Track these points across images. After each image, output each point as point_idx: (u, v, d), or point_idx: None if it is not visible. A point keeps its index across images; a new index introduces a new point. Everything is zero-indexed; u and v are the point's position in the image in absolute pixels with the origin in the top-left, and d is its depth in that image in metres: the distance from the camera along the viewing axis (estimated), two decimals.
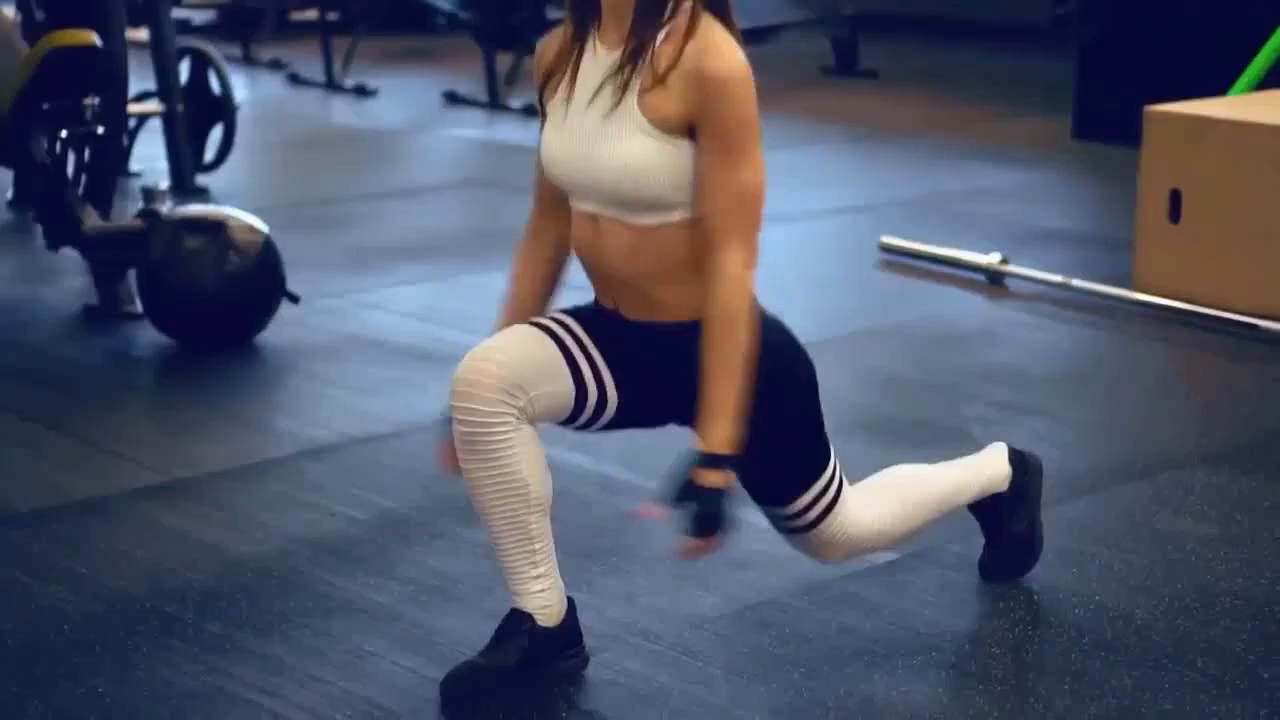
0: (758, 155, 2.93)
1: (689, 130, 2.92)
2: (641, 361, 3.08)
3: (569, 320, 3.11)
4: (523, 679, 3.09)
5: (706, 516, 2.94)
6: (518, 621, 3.10)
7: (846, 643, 3.34)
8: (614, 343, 3.09)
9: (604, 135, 2.94)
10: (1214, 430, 4.56)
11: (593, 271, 3.11)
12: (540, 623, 3.10)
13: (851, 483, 3.32)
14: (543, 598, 3.10)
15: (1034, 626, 3.41)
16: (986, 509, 3.56)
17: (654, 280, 3.01)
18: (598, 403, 3.08)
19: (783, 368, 3.10)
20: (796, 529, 3.26)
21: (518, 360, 2.98)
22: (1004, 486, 3.54)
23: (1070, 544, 3.79)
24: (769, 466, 3.15)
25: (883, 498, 3.36)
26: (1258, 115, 5.56)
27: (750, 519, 3.89)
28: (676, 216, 2.96)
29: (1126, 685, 3.17)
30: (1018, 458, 3.58)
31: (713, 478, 2.92)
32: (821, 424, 3.20)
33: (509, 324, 3.14)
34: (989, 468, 3.54)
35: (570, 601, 3.17)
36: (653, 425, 3.23)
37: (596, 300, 3.16)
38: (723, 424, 2.92)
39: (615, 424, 3.16)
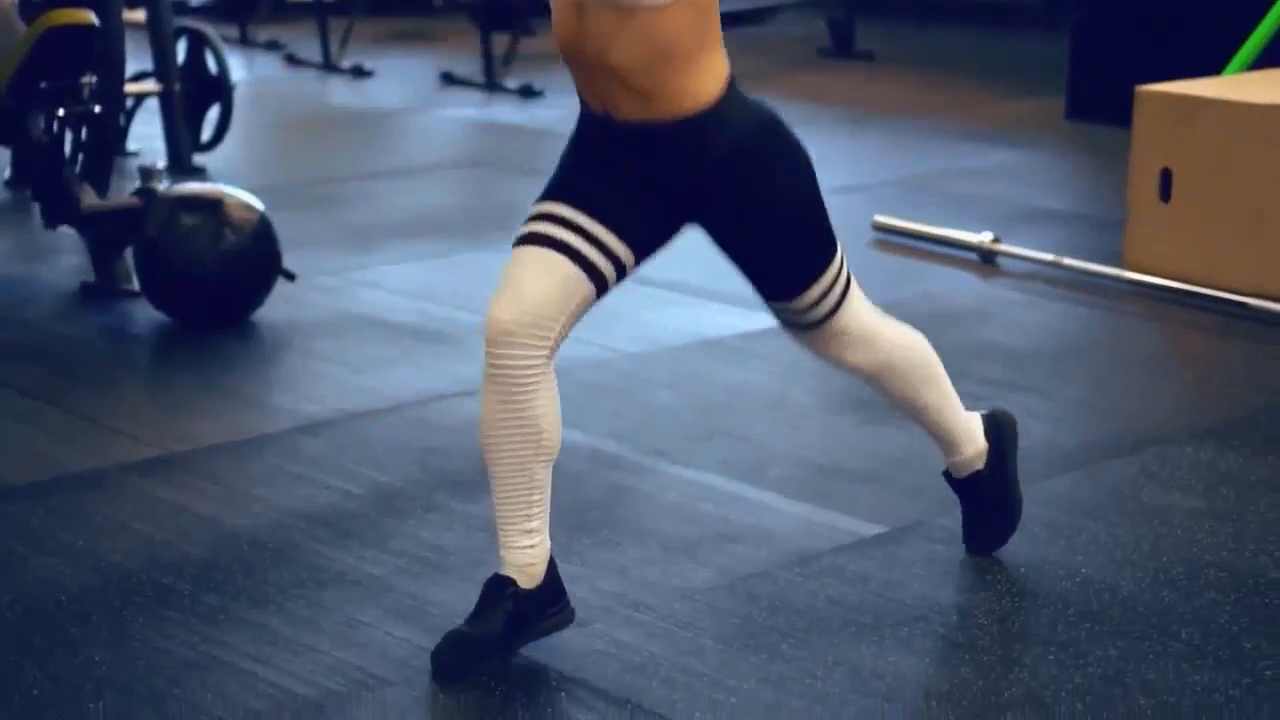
0: None
1: None
2: (643, 174, 3.08)
3: (564, 210, 3.08)
4: (509, 644, 3.12)
5: None
6: (500, 587, 3.15)
7: (835, 614, 3.38)
8: (612, 179, 3.09)
9: None
10: (1202, 407, 4.59)
11: (577, 67, 3.05)
12: (523, 585, 3.14)
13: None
14: (529, 554, 3.15)
15: (1021, 598, 3.45)
16: (963, 482, 3.59)
17: (641, 71, 2.97)
18: (617, 274, 3.13)
19: (775, 152, 3.10)
20: (810, 324, 3.30)
21: (538, 297, 3.04)
22: (980, 463, 3.57)
23: (1058, 517, 3.83)
24: (774, 260, 3.19)
25: (899, 327, 3.47)
26: (1248, 95, 5.59)
27: (740, 492, 3.94)
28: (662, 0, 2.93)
29: (1111, 655, 3.21)
30: (994, 429, 3.60)
31: None
32: (824, 212, 3.22)
33: None
34: (967, 428, 3.56)
35: (551, 559, 3.20)
36: (670, 237, 3.21)
37: (585, 113, 3.12)
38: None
39: (641, 263, 3.19)
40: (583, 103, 3.13)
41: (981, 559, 3.61)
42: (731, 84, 3.06)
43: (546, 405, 3.09)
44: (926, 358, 3.47)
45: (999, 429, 3.60)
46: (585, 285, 3.09)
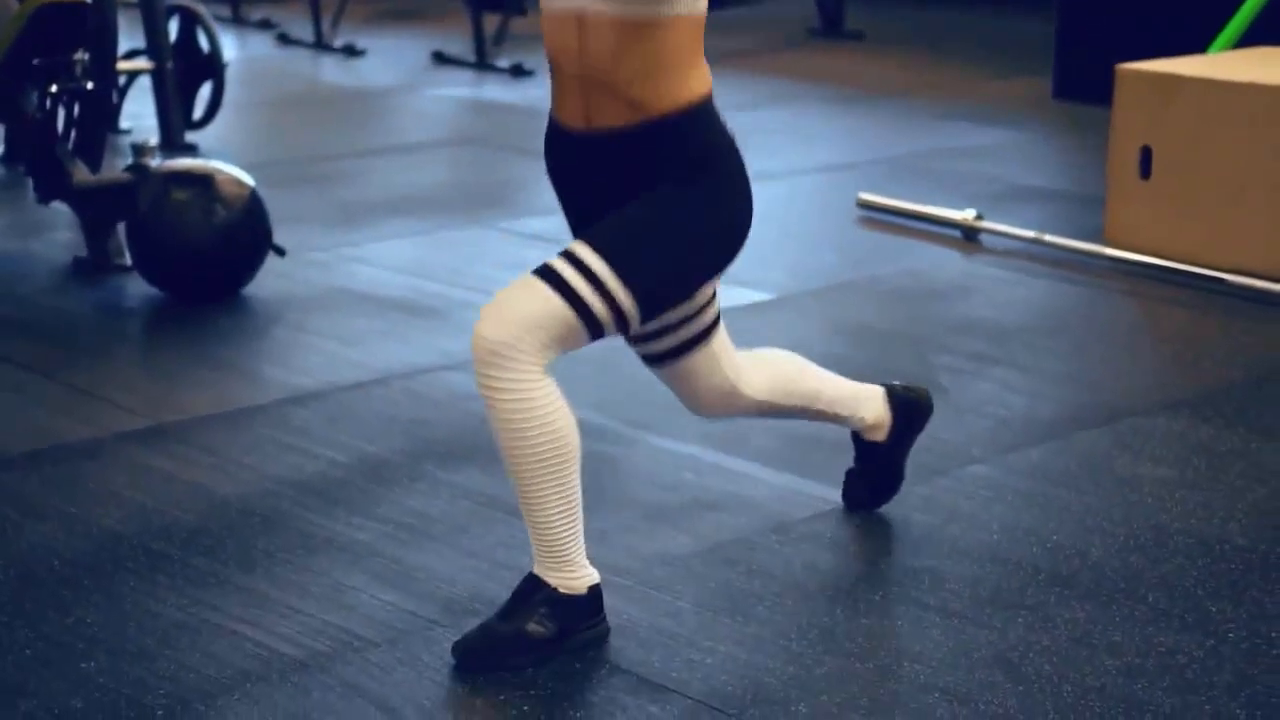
0: None
1: None
2: (603, 183, 3.10)
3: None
4: (547, 648, 3.12)
5: None
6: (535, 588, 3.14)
7: (810, 578, 3.46)
8: (582, 195, 3.15)
9: None
10: (1178, 380, 4.67)
11: (570, 82, 3.07)
12: (563, 591, 3.13)
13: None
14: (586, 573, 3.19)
15: (993, 563, 3.53)
16: (863, 444, 3.70)
17: (643, 81, 3.01)
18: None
19: (724, 172, 3.10)
20: (660, 355, 3.32)
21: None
22: (881, 435, 3.67)
23: (1032, 486, 3.91)
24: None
25: (769, 366, 3.47)
26: (1226, 73, 5.66)
27: (721, 462, 4.02)
28: (670, 12, 2.97)
29: (1078, 618, 3.29)
30: (904, 404, 3.69)
31: None
32: (713, 264, 3.14)
33: None
34: (867, 410, 3.64)
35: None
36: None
37: (554, 132, 3.14)
38: None
39: None
40: (554, 121, 3.15)
41: (955, 529, 3.68)
42: (710, 96, 3.10)
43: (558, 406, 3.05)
44: (792, 392, 3.51)
45: (910, 407, 3.70)
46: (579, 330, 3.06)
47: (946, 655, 3.15)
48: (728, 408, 3.45)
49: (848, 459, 3.91)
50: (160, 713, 2.93)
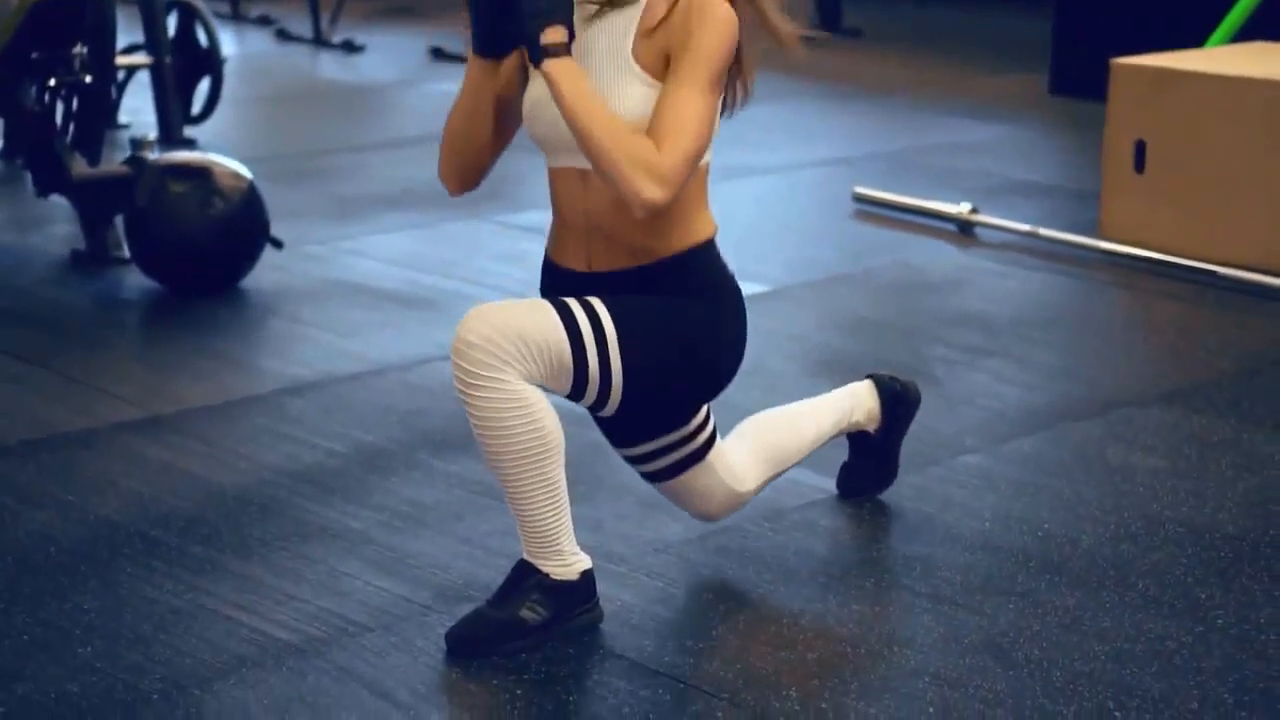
0: (714, 95, 3.04)
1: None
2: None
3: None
4: (537, 632, 3.13)
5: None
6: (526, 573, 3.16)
7: (802, 565, 3.48)
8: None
9: (599, 89, 3.01)
10: (1170, 371, 4.70)
11: (571, 226, 3.14)
12: (555, 577, 3.15)
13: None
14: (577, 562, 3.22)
15: (984, 551, 3.55)
16: (854, 435, 3.74)
17: (643, 229, 3.07)
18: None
19: (718, 305, 3.16)
20: (654, 474, 3.38)
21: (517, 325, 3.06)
22: (872, 427, 3.70)
23: (1024, 476, 3.93)
24: (645, 393, 3.14)
25: (752, 447, 3.49)
26: (1219, 67, 5.69)
27: None
28: None
29: (1069, 604, 3.31)
30: (892, 396, 3.71)
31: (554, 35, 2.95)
32: (702, 395, 3.24)
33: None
34: (858, 412, 3.68)
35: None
36: None
37: (551, 263, 3.20)
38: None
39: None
40: (550, 261, 3.20)
41: (947, 517, 3.70)
42: (713, 239, 3.16)
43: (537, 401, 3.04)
44: (786, 450, 3.54)
45: (898, 399, 3.71)
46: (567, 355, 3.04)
47: (937, 640, 3.18)
48: (733, 507, 3.49)
49: (841, 449, 3.93)
50: (155, 697, 2.96)
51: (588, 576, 3.17)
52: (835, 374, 4.57)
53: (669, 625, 3.22)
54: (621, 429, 3.33)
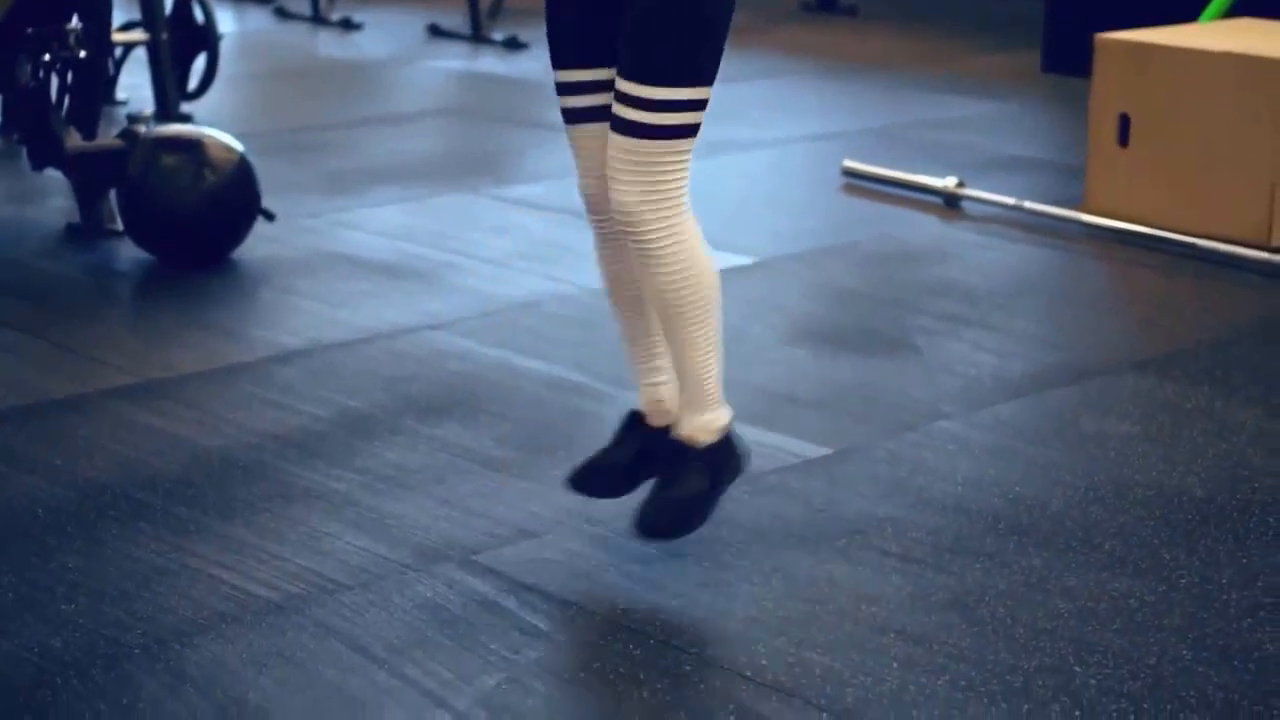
0: None
1: None
2: None
3: (572, 76, 3.29)
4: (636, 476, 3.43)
5: None
6: (633, 421, 3.47)
7: (776, 527, 3.54)
8: (578, 25, 3.27)
9: None
10: (1146, 341, 4.76)
11: None
12: (652, 422, 3.44)
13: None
14: (657, 391, 3.44)
15: (955, 513, 3.61)
16: (676, 446, 3.37)
17: None
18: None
19: None
20: (633, 126, 3.14)
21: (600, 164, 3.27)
22: (707, 440, 3.34)
23: (998, 441, 3.99)
24: (652, 32, 3.11)
25: (704, 249, 3.27)
26: (1202, 43, 5.74)
27: None
28: None
29: (1035, 564, 3.38)
30: (728, 445, 3.40)
31: None
32: (718, 42, 3.16)
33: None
34: (716, 400, 3.35)
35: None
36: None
37: None
38: None
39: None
40: None
41: (921, 480, 3.76)
42: None
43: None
44: (704, 296, 3.26)
45: (732, 451, 3.41)
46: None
47: (905, 599, 3.24)
48: (641, 218, 3.17)
49: (818, 414, 4.01)
50: (137, 651, 3.02)
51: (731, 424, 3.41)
52: (818, 341, 4.63)
53: (644, 584, 3.28)
54: (642, 54, 3.15)
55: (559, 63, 3.32)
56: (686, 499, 3.33)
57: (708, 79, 3.19)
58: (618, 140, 3.17)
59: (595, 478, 3.47)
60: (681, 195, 3.21)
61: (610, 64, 3.25)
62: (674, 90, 3.14)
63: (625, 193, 3.17)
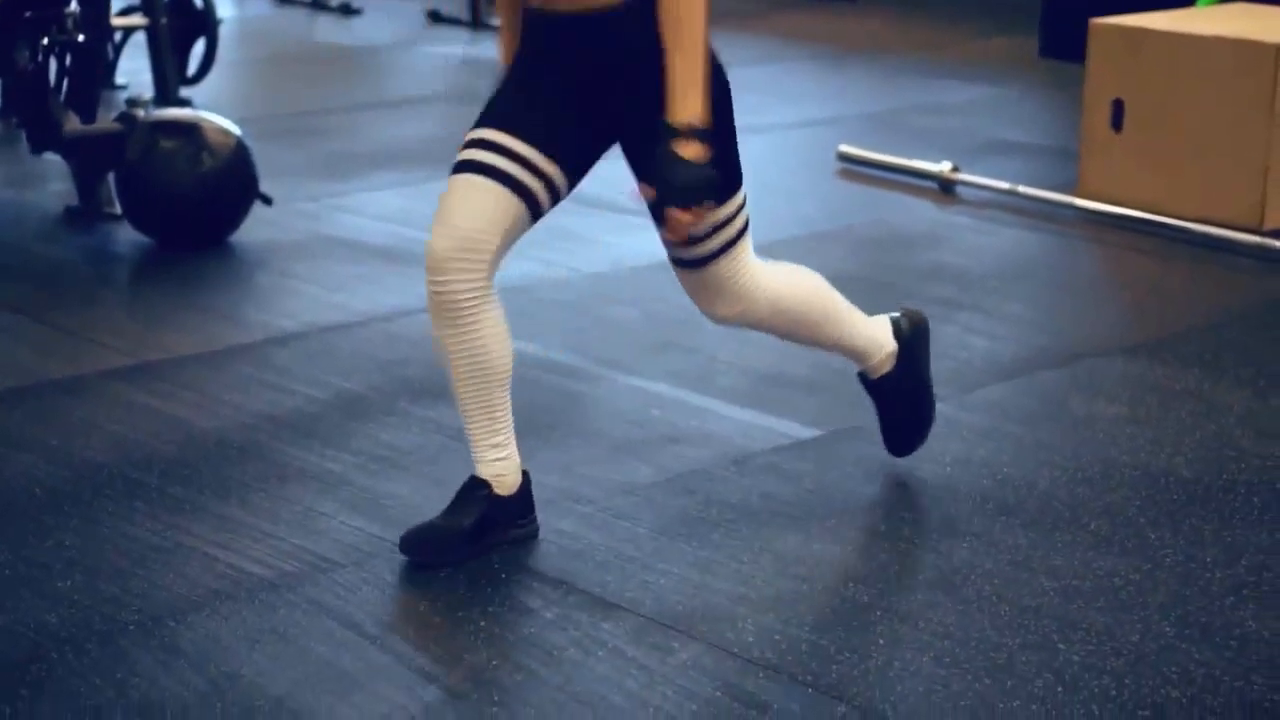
0: None
1: None
2: (568, 72, 3.21)
3: (493, 135, 3.24)
4: (476, 541, 3.31)
5: (690, 186, 3.10)
6: (475, 487, 3.34)
7: (765, 506, 3.58)
8: (538, 103, 3.24)
9: None
10: (1138, 324, 4.79)
11: None
12: (496, 490, 3.33)
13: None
14: (500, 465, 3.34)
15: (943, 494, 3.65)
16: (876, 383, 3.69)
17: None
18: (549, 193, 3.26)
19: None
20: (691, 261, 3.33)
21: (473, 224, 3.20)
22: (889, 367, 3.66)
23: (988, 423, 4.02)
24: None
25: (788, 276, 3.48)
26: (1196, 27, 5.76)
27: (686, 399, 4.13)
28: None
29: (1021, 543, 3.41)
30: (904, 330, 3.69)
31: (690, 149, 3.09)
32: (734, 145, 3.27)
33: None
34: (872, 337, 3.64)
35: (525, 475, 3.40)
36: (596, 155, 3.33)
37: (525, 18, 3.27)
38: (692, 96, 3.07)
39: (573, 185, 3.31)
40: (525, 10, 3.28)
41: (909, 461, 3.79)
42: None
43: (492, 330, 3.24)
44: (812, 306, 3.51)
45: (910, 330, 3.71)
46: (517, 205, 3.22)
47: (891, 578, 3.28)
48: (743, 314, 3.44)
49: (810, 396, 4.03)
50: (132, 627, 3.06)
51: (525, 491, 3.41)
52: None
53: (632, 562, 3.32)
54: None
55: (498, 124, 3.25)
56: (908, 418, 3.66)
57: (738, 182, 3.30)
58: (686, 276, 3.37)
59: (422, 540, 3.33)
60: (751, 273, 3.39)
61: (547, 151, 3.22)
62: (715, 214, 3.26)
63: (721, 313, 3.43)
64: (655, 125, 3.13)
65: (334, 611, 3.12)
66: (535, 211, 3.27)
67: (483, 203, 3.22)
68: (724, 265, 3.35)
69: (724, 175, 3.22)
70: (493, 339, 3.25)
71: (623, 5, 3.16)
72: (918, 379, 3.71)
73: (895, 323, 3.72)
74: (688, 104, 3.08)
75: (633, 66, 3.18)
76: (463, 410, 3.32)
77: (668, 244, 3.34)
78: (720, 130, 3.19)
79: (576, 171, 3.30)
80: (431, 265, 3.21)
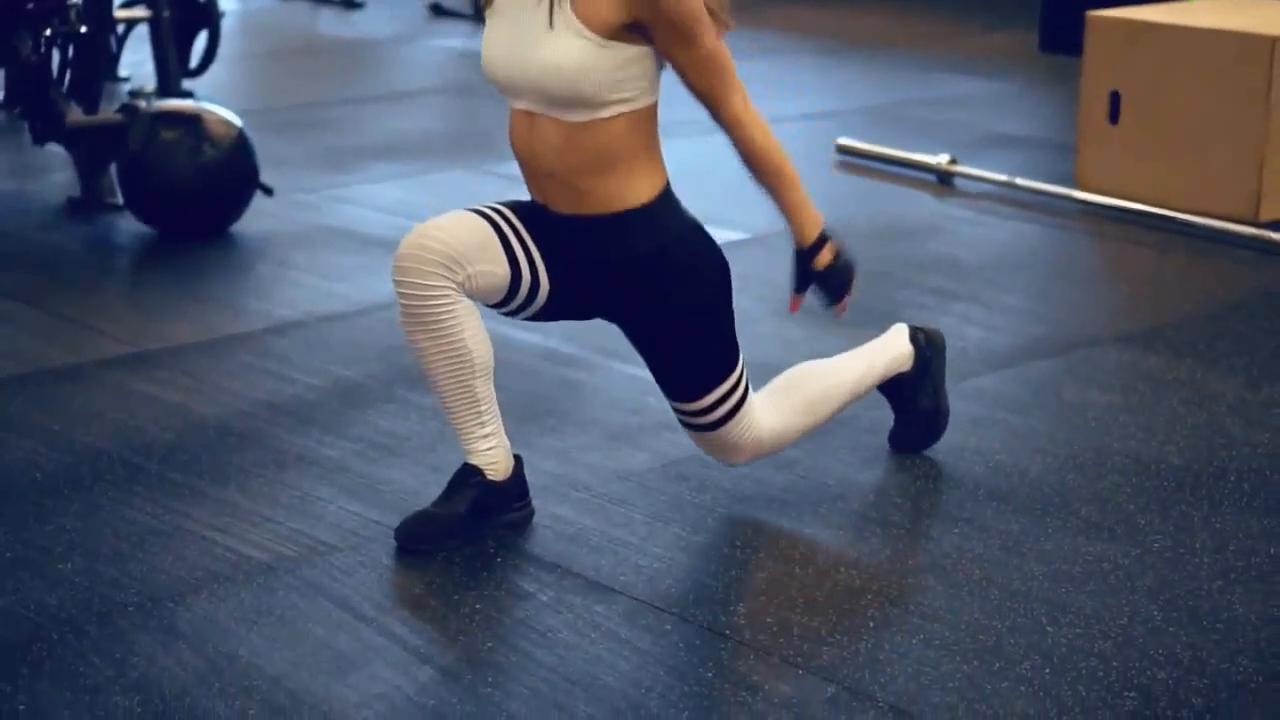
0: (710, 28, 3.17)
1: (628, 32, 3.14)
2: (570, 255, 3.32)
3: (507, 211, 3.35)
4: (470, 527, 3.34)
5: (837, 285, 3.45)
6: (468, 474, 3.37)
7: (759, 493, 3.61)
8: (546, 235, 3.32)
9: (539, 38, 3.16)
10: (1132, 314, 4.82)
11: (525, 166, 3.33)
12: (489, 476, 3.36)
13: (756, 387, 3.56)
14: (491, 454, 3.37)
15: (935, 481, 3.68)
16: (892, 386, 3.78)
17: (582, 173, 3.23)
18: (530, 287, 3.32)
19: (695, 259, 3.34)
20: (701, 427, 3.46)
21: (456, 238, 3.23)
22: (907, 366, 3.76)
23: (980, 410, 4.05)
24: (677, 361, 3.38)
25: (787, 400, 3.59)
26: (1192, 20, 5.79)
27: None
28: (607, 114, 3.18)
29: (1012, 529, 3.44)
30: (919, 336, 3.80)
31: (826, 255, 3.41)
32: (731, 325, 3.41)
33: None
34: (890, 350, 3.75)
35: (518, 459, 3.43)
36: (580, 318, 3.46)
37: (531, 197, 3.40)
38: (808, 214, 3.41)
39: (545, 313, 3.39)
40: (528, 189, 3.38)
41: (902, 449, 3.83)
42: (666, 189, 3.30)
43: (469, 329, 3.25)
44: (816, 407, 3.62)
45: (926, 337, 3.78)
46: (503, 265, 3.26)
47: (883, 562, 3.31)
48: (758, 455, 3.57)
49: None
50: (131, 609, 3.09)
51: (518, 475, 3.44)
52: (807, 316, 4.66)
53: (626, 547, 3.35)
54: (678, 380, 3.42)
55: (515, 211, 3.33)
56: (924, 414, 3.74)
57: (735, 358, 3.42)
58: (700, 438, 3.50)
59: (417, 528, 3.36)
60: (756, 428, 3.49)
61: (547, 264, 3.31)
62: (716, 391, 3.40)
63: (736, 461, 3.55)
64: (652, 319, 3.33)
65: (331, 594, 3.16)
66: (514, 285, 3.30)
67: (471, 229, 3.26)
68: (732, 428, 3.46)
69: (724, 353, 3.39)
70: (470, 337, 3.27)
71: (625, 211, 3.25)
72: (934, 381, 3.78)
73: (910, 329, 3.80)
74: (807, 226, 3.42)
75: (628, 273, 3.30)
76: (448, 407, 3.34)
77: (679, 413, 3.47)
78: (720, 310, 3.37)
79: (556, 306, 3.38)
80: (397, 265, 3.23)
